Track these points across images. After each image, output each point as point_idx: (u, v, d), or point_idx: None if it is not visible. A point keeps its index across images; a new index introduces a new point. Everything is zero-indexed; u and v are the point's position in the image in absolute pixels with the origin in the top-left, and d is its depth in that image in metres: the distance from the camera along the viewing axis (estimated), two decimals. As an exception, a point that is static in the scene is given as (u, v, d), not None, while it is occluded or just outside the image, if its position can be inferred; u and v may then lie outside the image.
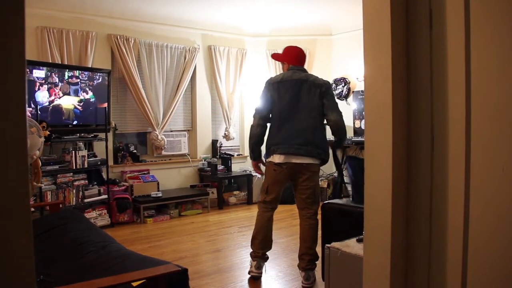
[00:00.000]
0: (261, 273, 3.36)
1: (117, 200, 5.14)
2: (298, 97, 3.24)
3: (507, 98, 1.35)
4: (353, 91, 6.48)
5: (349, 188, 6.43)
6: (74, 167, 4.80)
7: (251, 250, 3.40)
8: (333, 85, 6.66)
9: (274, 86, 3.30)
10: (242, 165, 6.69)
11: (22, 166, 0.78)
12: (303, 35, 6.72)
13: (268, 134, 3.37)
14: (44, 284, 2.13)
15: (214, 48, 6.35)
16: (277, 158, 3.23)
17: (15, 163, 0.77)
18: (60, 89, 4.74)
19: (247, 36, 6.74)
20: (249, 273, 3.39)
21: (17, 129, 0.77)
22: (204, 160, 6.31)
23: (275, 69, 6.72)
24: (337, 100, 6.83)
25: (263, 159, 3.49)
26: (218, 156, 6.41)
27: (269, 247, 3.40)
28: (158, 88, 5.81)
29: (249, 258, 3.54)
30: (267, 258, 3.41)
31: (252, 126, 3.38)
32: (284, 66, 3.47)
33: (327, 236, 2.84)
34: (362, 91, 6.13)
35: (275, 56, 3.59)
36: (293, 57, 3.40)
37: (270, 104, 3.30)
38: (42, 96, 4.58)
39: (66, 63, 5.00)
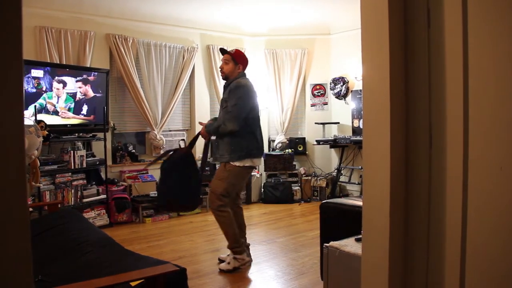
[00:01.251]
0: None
1: (116, 200, 5.14)
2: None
3: (505, 96, 1.35)
4: (351, 91, 6.49)
5: (347, 187, 6.44)
6: (72, 167, 4.79)
7: (236, 248, 3.47)
8: (332, 84, 6.67)
9: (254, 92, 3.51)
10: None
11: (20, 166, 0.78)
12: (301, 34, 6.72)
13: (247, 138, 3.40)
14: (43, 284, 2.13)
15: (212, 48, 6.34)
16: (256, 161, 3.48)
17: (13, 163, 0.77)
18: (58, 89, 4.73)
19: (245, 36, 6.74)
20: (239, 267, 3.45)
21: (14, 129, 0.77)
22: (203, 160, 6.30)
23: (273, 69, 6.73)
24: (337, 100, 6.79)
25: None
26: (216, 156, 6.41)
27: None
28: (156, 88, 5.80)
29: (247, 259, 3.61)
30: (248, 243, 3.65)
31: (233, 129, 3.33)
32: (235, 67, 3.49)
33: (326, 236, 2.84)
34: (360, 90, 6.14)
35: (236, 55, 3.52)
36: (247, 64, 3.59)
37: (251, 109, 3.45)
38: (40, 95, 4.57)
39: (64, 63, 5.00)
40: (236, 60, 3.50)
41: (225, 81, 3.59)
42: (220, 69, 3.59)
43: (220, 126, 3.39)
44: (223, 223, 3.47)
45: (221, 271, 3.46)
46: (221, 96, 6.43)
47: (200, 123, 3.66)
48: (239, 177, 3.47)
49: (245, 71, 3.58)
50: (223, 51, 3.58)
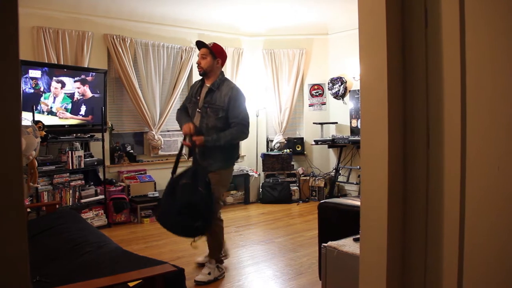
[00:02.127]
0: None
1: (114, 200, 5.13)
2: None
3: (503, 97, 1.35)
4: (349, 90, 6.49)
5: (346, 187, 6.45)
6: (70, 168, 4.79)
7: (220, 256, 3.43)
8: (330, 84, 6.67)
9: None
10: (239, 165, 6.69)
11: (16, 166, 0.78)
12: (299, 34, 6.73)
13: (237, 143, 3.42)
14: (41, 284, 2.13)
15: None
16: (236, 160, 3.48)
17: (9, 163, 0.77)
18: (56, 89, 4.72)
19: (243, 36, 6.74)
20: (218, 278, 3.32)
21: (11, 129, 0.77)
22: (201, 160, 6.29)
23: (271, 69, 6.73)
24: (335, 100, 6.81)
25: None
26: (215, 156, 6.40)
27: None
28: (154, 88, 5.80)
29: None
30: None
31: (247, 137, 3.31)
32: (213, 62, 3.24)
33: (324, 235, 2.84)
34: (358, 90, 6.14)
35: (215, 49, 3.27)
36: (225, 59, 3.41)
37: None
38: (38, 96, 4.56)
39: (62, 63, 4.99)
40: (214, 54, 3.24)
41: (202, 77, 3.34)
42: (197, 65, 3.29)
43: (235, 137, 3.23)
44: (218, 233, 3.38)
45: (199, 284, 3.20)
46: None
47: (193, 137, 3.15)
48: (229, 177, 3.43)
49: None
50: (199, 44, 3.28)
